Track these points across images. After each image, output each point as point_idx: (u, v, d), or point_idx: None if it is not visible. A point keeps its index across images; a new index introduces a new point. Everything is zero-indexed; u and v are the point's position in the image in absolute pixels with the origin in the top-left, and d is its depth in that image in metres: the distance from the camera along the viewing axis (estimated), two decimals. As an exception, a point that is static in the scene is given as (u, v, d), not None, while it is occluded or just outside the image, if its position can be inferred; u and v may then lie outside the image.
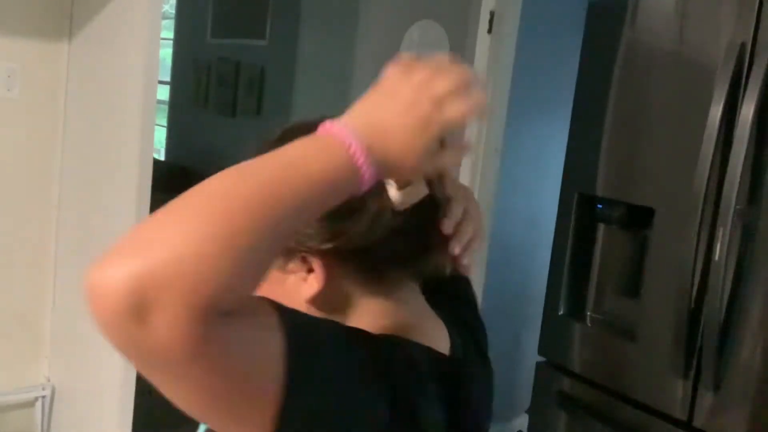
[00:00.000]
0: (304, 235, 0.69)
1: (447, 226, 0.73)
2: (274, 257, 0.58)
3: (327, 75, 3.95)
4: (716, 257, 1.56)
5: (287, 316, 0.59)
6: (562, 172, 2.00)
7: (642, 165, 1.81)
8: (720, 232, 1.55)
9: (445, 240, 0.74)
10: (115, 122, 2.10)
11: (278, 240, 0.56)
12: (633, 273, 1.85)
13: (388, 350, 0.67)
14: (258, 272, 0.55)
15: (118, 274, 0.48)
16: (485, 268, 3.10)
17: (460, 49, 3.11)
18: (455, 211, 0.75)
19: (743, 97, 1.56)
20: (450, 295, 0.87)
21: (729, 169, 1.56)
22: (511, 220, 3.32)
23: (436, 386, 0.70)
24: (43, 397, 2.40)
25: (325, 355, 0.61)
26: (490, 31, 3.05)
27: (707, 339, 1.61)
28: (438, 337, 0.76)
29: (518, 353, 3.24)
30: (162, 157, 5.50)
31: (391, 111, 0.63)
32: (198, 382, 0.53)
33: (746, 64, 1.58)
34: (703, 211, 1.60)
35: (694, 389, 1.67)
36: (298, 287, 0.70)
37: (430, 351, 0.72)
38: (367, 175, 0.60)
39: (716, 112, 1.59)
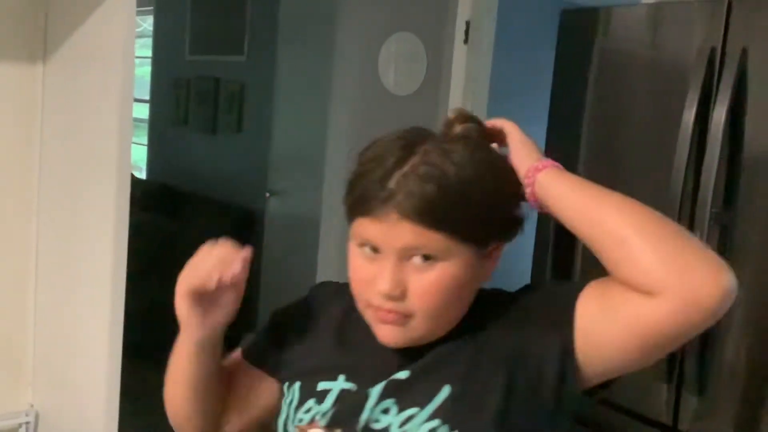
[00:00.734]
0: (510, 225, 0.90)
1: None
2: None
3: (307, 89, 3.95)
4: (694, 261, 1.57)
5: None
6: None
7: (619, 171, 1.82)
8: (697, 236, 1.56)
9: None
10: (92, 142, 2.09)
11: None
12: (614, 279, 1.85)
13: None
14: None
15: (733, 281, 0.80)
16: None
17: (438, 59, 3.13)
18: None
19: (715, 100, 1.58)
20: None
21: (703, 172, 1.57)
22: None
23: None
24: (27, 423, 2.37)
25: None
26: (466, 41, 3.07)
27: (689, 343, 1.61)
28: None
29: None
30: (144, 176, 5.48)
31: None
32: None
33: (717, 69, 1.59)
34: (680, 214, 1.61)
35: (678, 394, 1.67)
36: (489, 270, 0.90)
37: None
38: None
39: (689, 116, 1.60)
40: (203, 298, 0.91)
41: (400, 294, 0.85)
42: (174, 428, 1.04)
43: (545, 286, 1.09)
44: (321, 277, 3.15)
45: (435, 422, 0.83)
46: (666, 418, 1.69)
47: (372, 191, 0.85)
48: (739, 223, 1.57)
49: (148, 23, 5.57)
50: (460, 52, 3.07)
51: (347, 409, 0.88)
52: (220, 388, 1.01)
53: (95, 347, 2.00)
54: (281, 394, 0.98)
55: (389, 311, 0.85)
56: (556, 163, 0.92)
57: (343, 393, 0.90)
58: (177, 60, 4.97)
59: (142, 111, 5.50)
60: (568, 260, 1.97)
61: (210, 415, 1.01)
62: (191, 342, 0.94)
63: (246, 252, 0.91)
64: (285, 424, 0.94)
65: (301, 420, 0.91)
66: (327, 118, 3.20)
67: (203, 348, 0.95)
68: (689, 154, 1.60)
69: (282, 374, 0.99)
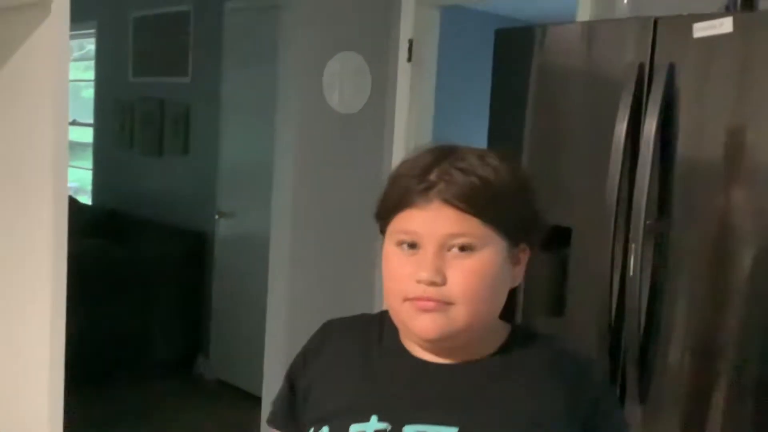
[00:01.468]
0: (537, 229, 0.94)
1: None
2: None
3: (252, 110, 3.93)
4: (631, 273, 1.60)
5: None
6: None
7: (558, 185, 1.85)
8: (633, 248, 1.60)
9: None
10: (28, 170, 2.04)
11: None
12: (557, 293, 1.88)
13: None
14: None
15: None
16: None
17: (382, 78, 3.15)
18: None
19: (645, 113, 1.62)
20: None
21: (636, 184, 1.61)
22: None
23: None
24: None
25: None
26: (410, 59, 3.10)
27: (629, 353, 1.64)
28: None
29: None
30: (90, 201, 5.37)
31: None
32: None
33: (646, 83, 1.64)
34: (615, 227, 1.64)
35: (622, 403, 1.70)
36: (520, 273, 0.94)
37: None
38: None
39: (621, 129, 1.64)
40: None
41: (441, 280, 0.87)
42: None
43: (607, 402, 0.98)
44: (272, 295, 3.12)
45: None
46: (611, 428, 1.71)
47: (413, 185, 0.89)
48: (674, 234, 1.61)
49: (91, 45, 5.48)
50: (404, 70, 3.10)
51: None
52: None
53: (36, 382, 1.95)
54: None
55: (429, 299, 0.87)
56: None
57: None
58: (120, 82, 4.90)
59: (87, 135, 5.40)
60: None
61: None
62: None
63: None
64: None
65: None
66: (273, 137, 3.18)
67: None
68: (622, 167, 1.64)
69: (308, 419, 0.95)
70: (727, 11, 1.73)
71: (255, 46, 3.86)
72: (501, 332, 0.96)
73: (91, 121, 5.31)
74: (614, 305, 1.67)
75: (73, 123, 5.22)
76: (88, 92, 5.45)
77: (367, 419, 0.89)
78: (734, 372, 1.55)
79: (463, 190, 0.87)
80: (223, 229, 4.14)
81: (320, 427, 0.91)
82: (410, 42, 3.06)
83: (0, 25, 2.01)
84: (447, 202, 0.87)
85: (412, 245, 0.89)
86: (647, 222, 1.59)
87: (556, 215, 1.85)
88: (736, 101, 1.55)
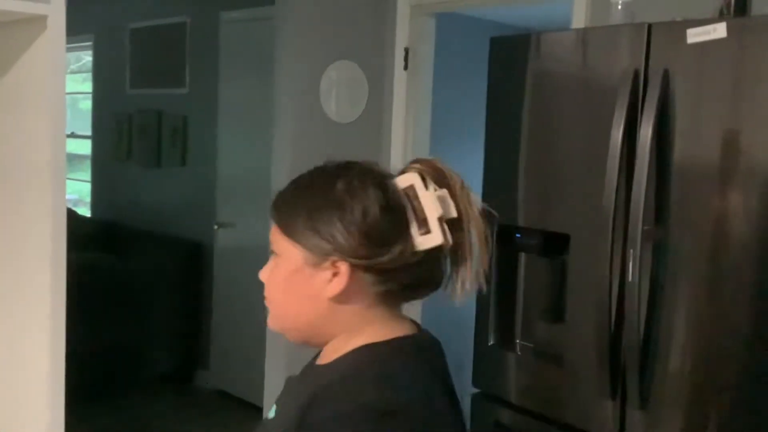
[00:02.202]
0: (342, 244, 0.89)
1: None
2: None
3: (249, 120, 3.94)
4: (629, 278, 1.61)
5: None
6: (481, 203, 2.03)
7: (555, 192, 1.86)
8: (631, 253, 1.60)
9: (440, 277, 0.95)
10: (26, 183, 2.04)
11: None
12: (556, 299, 1.88)
13: None
14: None
15: None
16: (420, 300, 3.12)
17: (379, 86, 3.16)
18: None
19: (641, 119, 1.62)
20: None
21: (633, 190, 1.61)
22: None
23: None
24: (-34, 477, 2.28)
25: None
26: (406, 67, 3.11)
27: (629, 359, 1.64)
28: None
29: (461, 384, 3.24)
30: (89, 213, 5.37)
31: None
32: None
33: (641, 89, 1.64)
34: (613, 233, 1.64)
35: (623, 409, 1.70)
36: (324, 285, 0.91)
37: None
38: None
39: (617, 135, 1.64)
40: None
41: (264, 279, 0.98)
42: None
43: None
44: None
45: None
46: (612, 434, 1.71)
47: None
48: (672, 239, 1.61)
49: (88, 57, 5.49)
50: (400, 78, 3.11)
51: None
52: None
53: (37, 394, 1.94)
54: None
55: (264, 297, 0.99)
56: None
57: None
58: (118, 94, 4.90)
59: (85, 147, 5.40)
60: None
61: None
62: None
63: None
64: None
65: None
66: (270, 147, 3.19)
67: None
68: (619, 173, 1.64)
69: None
70: (720, 17, 1.74)
71: (252, 57, 3.87)
72: (345, 347, 0.94)
73: (89, 133, 5.32)
74: (613, 311, 1.67)
75: (71, 135, 5.22)
76: (86, 104, 5.46)
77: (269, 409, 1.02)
78: (735, 377, 1.56)
79: (275, 201, 0.96)
80: (221, 239, 4.14)
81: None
82: (406, 50, 3.07)
83: (-3, 39, 2.02)
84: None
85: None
86: (645, 227, 1.59)
87: (553, 222, 1.86)
88: (731, 106, 1.55)
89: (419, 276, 0.93)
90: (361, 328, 0.93)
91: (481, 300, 2.03)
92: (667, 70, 1.60)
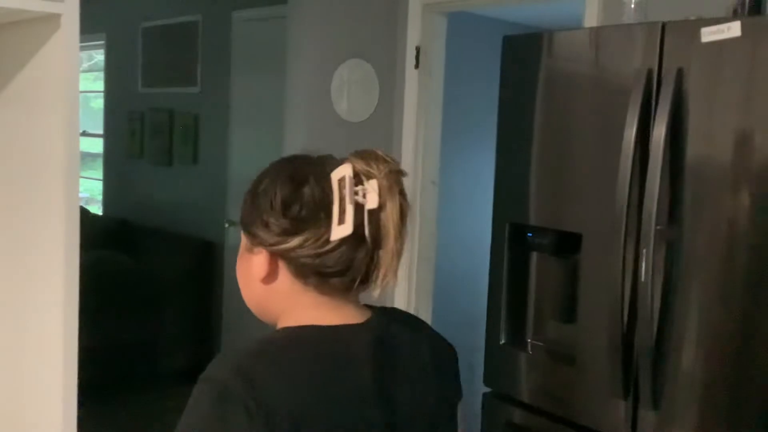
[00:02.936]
0: (257, 233, 0.98)
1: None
2: None
3: (261, 118, 3.95)
4: (642, 278, 1.60)
5: None
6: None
7: (567, 191, 1.85)
8: (644, 253, 1.59)
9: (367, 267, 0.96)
10: (39, 182, 2.06)
11: None
12: (568, 298, 1.87)
13: None
14: None
15: None
16: (431, 299, 3.12)
17: (390, 85, 3.16)
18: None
19: (654, 119, 1.61)
20: None
21: (646, 189, 1.60)
22: (453, 250, 3.35)
23: None
24: (-20, 472, 2.30)
25: None
26: (417, 66, 3.10)
27: (642, 358, 1.63)
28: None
29: (472, 383, 3.24)
30: (101, 212, 5.40)
31: None
32: None
33: (655, 88, 1.63)
34: (626, 233, 1.63)
35: (635, 409, 1.69)
36: (256, 268, 0.99)
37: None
38: None
39: (630, 135, 1.64)
40: None
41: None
42: None
43: None
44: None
45: None
46: (624, 434, 1.71)
47: None
48: (685, 239, 1.61)
49: (100, 56, 5.52)
50: (411, 76, 3.11)
51: None
52: None
53: (50, 392, 1.95)
54: None
55: None
56: None
57: None
58: (130, 92, 4.93)
59: (97, 145, 5.43)
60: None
61: None
62: None
63: None
64: None
65: None
66: (282, 146, 3.20)
67: None
68: (632, 172, 1.63)
69: None
70: (735, 15, 1.72)
71: (263, 56, 3.88)
72: (279, 327, 1.02)
73: (101, 131, 5.34)
74: (626, 311, 1.66)
75: (84, 134, 5.25)
76: (98, 103, 5.48)
77: None
78: (748, 377, 1.55)
79: None
80: (232, 238, 4.16)
81: None
82: (417, 49, 3.07)
83: (11, 38, 2.03)
84: None
85: None
86: (658, 227, 1.59)
87: (565, 221, 1.85)
88: (745, 105, 1.54)
89: (335, 265, 0.95)
90: (292, 311, 0.99)
91: (493, 299, 2.02)
92: (681, 69, 1.59)
